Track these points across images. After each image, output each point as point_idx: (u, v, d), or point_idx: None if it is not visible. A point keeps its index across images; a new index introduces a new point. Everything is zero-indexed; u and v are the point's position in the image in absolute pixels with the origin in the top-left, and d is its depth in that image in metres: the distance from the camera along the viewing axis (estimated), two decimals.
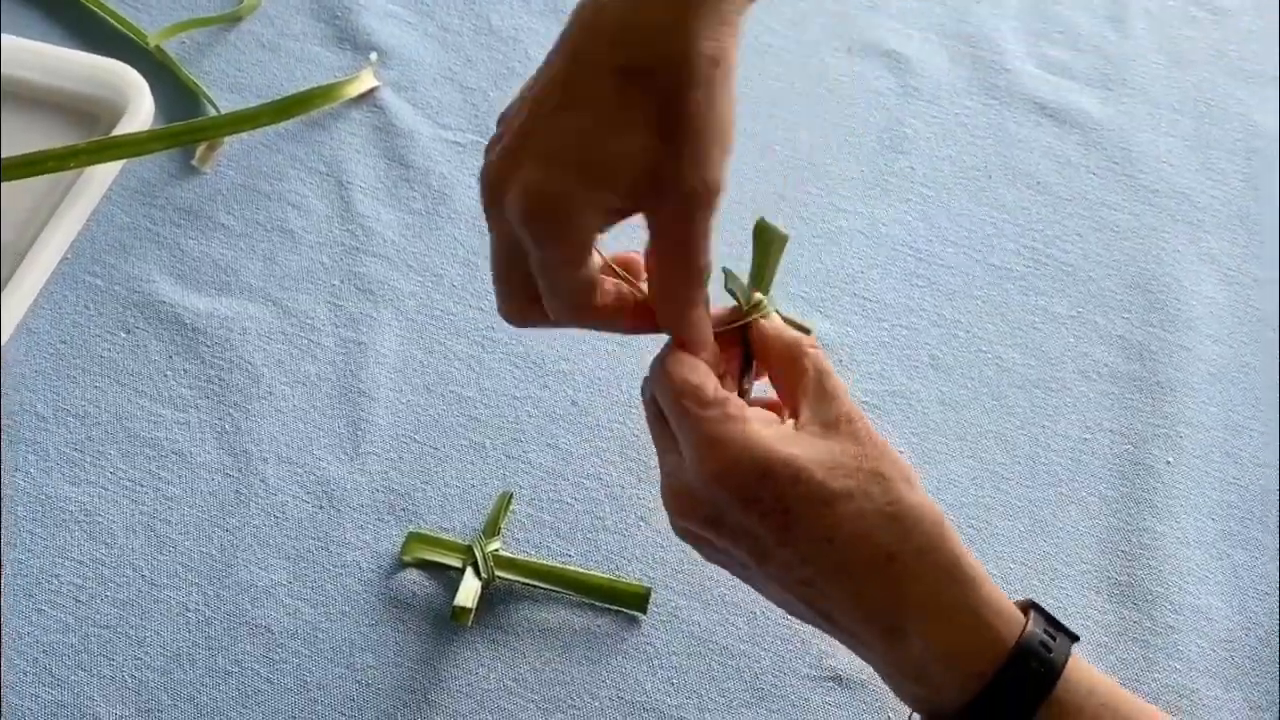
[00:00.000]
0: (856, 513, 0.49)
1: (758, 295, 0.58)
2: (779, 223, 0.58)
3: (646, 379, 0.55)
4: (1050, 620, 0.51)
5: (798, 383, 0.54)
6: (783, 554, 0.50)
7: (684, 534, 0.54)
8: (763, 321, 0.57)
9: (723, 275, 0.58)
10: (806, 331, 0.58)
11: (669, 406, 0.52)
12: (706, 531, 0.52)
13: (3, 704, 0.65)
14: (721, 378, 0.54)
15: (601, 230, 0.51)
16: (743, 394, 0.57)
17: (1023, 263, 0.82)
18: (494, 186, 0.50)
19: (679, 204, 0.50)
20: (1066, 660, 0.49)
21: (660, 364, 0.54)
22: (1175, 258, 0.83)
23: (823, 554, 0.49)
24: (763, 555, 0.50)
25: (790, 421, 0.53)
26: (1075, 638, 0.51)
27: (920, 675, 0.50)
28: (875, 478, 0.50)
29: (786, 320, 0.58)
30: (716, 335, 0.55)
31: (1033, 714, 0.48)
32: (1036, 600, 0.52)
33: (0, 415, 0.73)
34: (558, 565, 0.69)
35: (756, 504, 0.49)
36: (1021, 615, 0.50)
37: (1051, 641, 0.49)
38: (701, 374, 0.52)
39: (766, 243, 0.59)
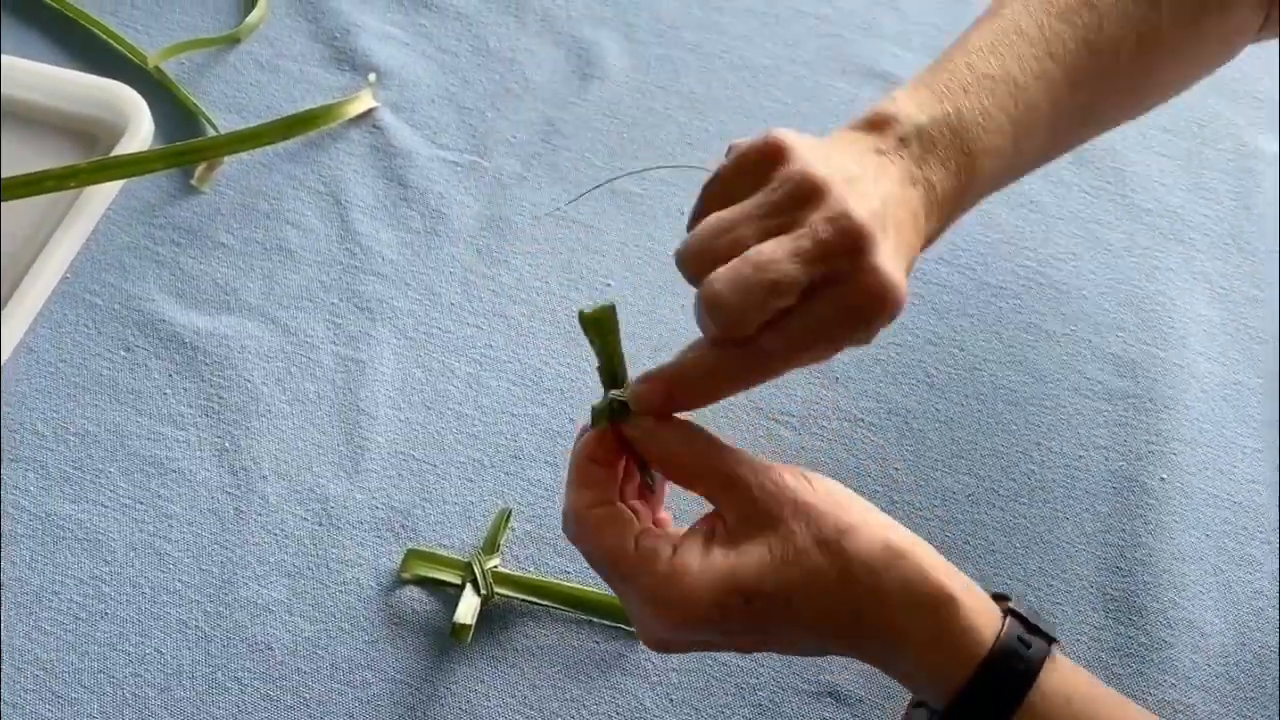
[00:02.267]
0: (815, 593, 0.50)
1: (613, 393, 0.54)
2: (595, 302, 0.53)
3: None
4: (1027, 625, 0.50)
5: (693, 484, 0.53)
6: (764, 646, 0.52)
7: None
8: (626, 426, 0.53)
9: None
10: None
11: (599, 573, 0.53)
12: (695, 650, 0.54)
13: None
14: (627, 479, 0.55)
15: None
16: (648, 487, 0.56)
17: (1017, 281, 0.83)
18: None
19: None
20: (1039, 668, 0.49)
21: (571, 532, 0.53)
22: (1168, 276, 0.83)
23: (798, 636, 0.51)
24: (749, 650, 0.52)
25: (718, 525, 0.52)
26: (1053, 640, 0.50)
27: (915, 687, 0.52)
28: (819, 548, 0.49)
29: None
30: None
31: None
32: (1031, 609, 0.52)
33: (0, 433, 0.74)
34: (557, 582, 0.69)
35: (725, 632, 0.51)
36: (999, 622, 0.50)
37: (1025, 649, 0.49)
38: (611, 535, 0.52)
39: (598, 330, 0.53)
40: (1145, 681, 0.68)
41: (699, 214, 0.54)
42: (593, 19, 0.95)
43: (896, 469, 0.75)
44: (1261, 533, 0.73)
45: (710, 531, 0.51)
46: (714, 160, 0.55)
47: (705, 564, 0.50)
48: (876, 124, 0.56)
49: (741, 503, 0.51)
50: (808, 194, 0.51)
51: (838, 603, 0.50)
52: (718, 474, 0.51)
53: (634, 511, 0.53)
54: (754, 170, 0.53)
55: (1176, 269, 0.84)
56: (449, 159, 0.87)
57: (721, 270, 0.49)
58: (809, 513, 0.50)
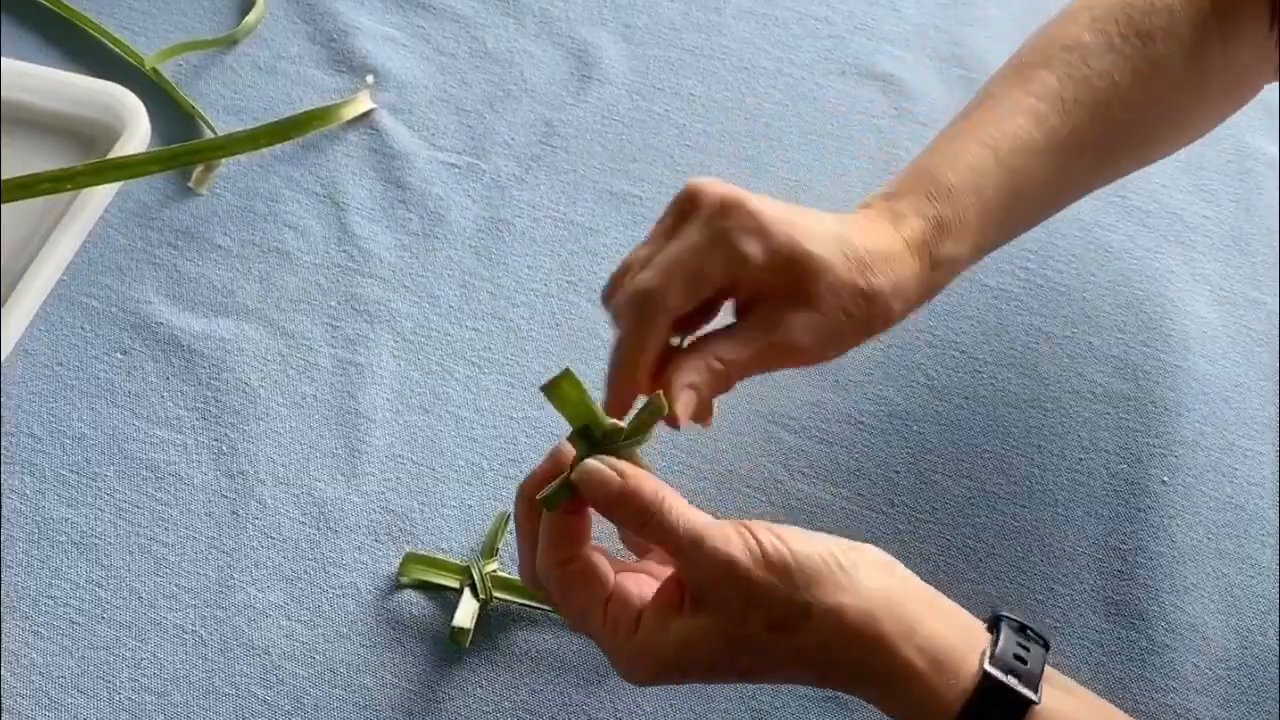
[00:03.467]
0: (771, 665, 0.51)
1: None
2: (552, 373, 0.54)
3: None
4: (1002, 690, 0.49)
5: (652, 550, 0.55)
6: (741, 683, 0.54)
7: None
8: (588, 493, 0.53)
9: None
10: (659, 408, 0.54)
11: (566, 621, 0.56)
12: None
13: None
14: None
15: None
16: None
17: (1017, 284, 0.82)
18: None
19: None
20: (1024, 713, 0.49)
21: (543, 586, 0.55)
22: (1169, 278, 0.83)
23: (773, 682, 0.53)
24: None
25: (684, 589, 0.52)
26: (1035, 693, 0.49)
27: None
28: (771, 634, 0.50)
29: (631, 427, 0.55)
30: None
31: None
32: (1033, 612, 0.52)
33: None
34: None
35: (696, 680, 0.53)
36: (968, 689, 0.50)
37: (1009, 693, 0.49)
38: (581, 596, 0.53)
39: (560, 397, 0.54)
40: (1146, 685, 0.68)
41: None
42: (591, 21, 0.95)
43: (897, 471, 0.74)
44: (1263, 535, 0.73)
45: (677, 598, 0.52)
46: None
47: (663, 638, 0.51)
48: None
49: (693, 582, 0.51)
50: (688, 197, 0.57)
51: (798, 673, 0.51)
52: (673, 549, 0.51)
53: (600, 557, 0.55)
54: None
55: (1177, 271, 0.84)
56: (447, 161, 0.87)
57: None
58: (762, 598, 0.49)
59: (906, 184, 0.61)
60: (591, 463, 0.53)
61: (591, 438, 0.54)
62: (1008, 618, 0.52)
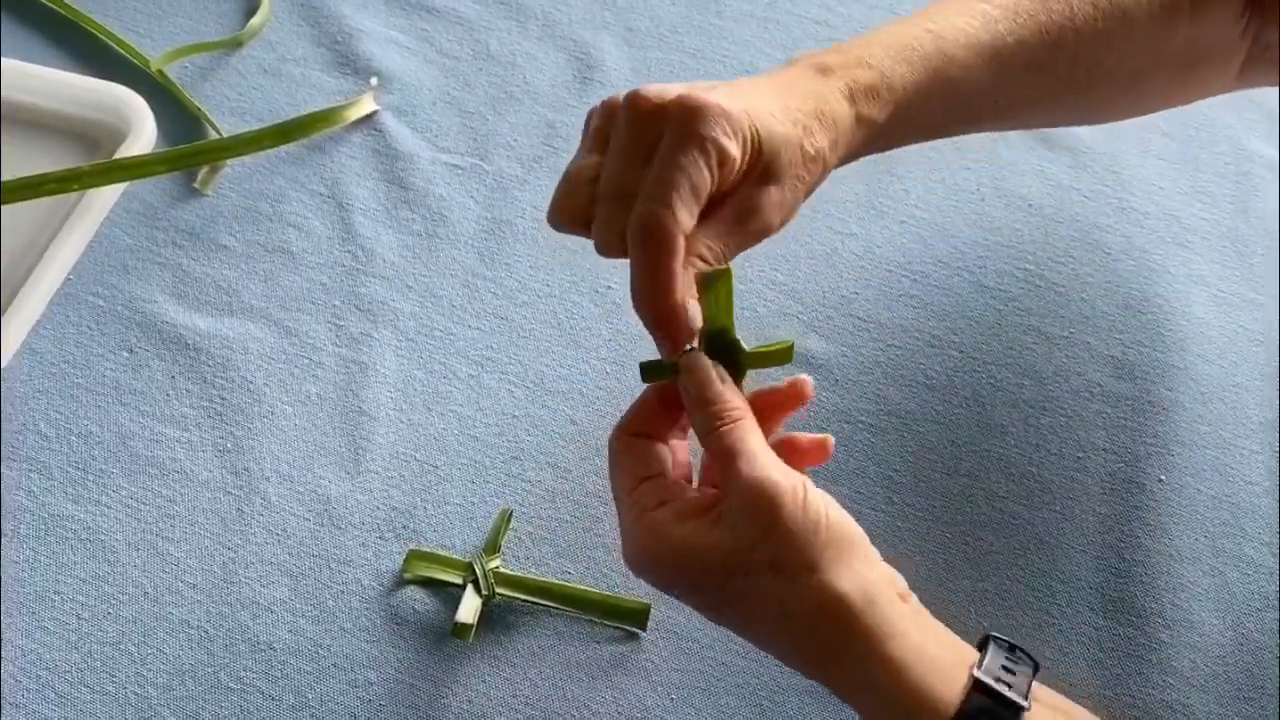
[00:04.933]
0: (755, 606, 0.51)
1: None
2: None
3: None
4: (995, 695, 0.49)
5: (710, 456, 0.55)
6: (722, 623, 0.53)
7: None
8: (684, 379, 0.54)
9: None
10: (788, 351, 0.55)
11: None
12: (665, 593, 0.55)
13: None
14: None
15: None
16: None
17: (1016, 284, 0.83)
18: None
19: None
20: None
21: (610, 450, 0.56)
22: (1166, 279, 0.84)
23: (750, 638, 0.53)
24: (714, 621, 0.54)
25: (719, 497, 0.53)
26: (1024, 702, 0.49)
27: None
28: (771, 572, 0.50)
29: (753, 353, 0.56)
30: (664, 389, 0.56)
31: None
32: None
33: (0, 434, 0.74)
34: (558, 582, 0.70)
35: (685, 590, 0.53)
36: (960, 688, 0.50)
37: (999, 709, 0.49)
38: (622, 466, 0.55)
39: (715, 291, 0.54)
40: (1143, 682, 0.68)
41: None
42: (593, 23, 0.96)
43: (895, 470, 0.75)
44: (1260, 534, 0.73)
45: (706, 505, 0.52)
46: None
47: (674, 530, 0.51)
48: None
49: (730, 494, 0.51)
50: (643, 109, 0.55)
51: (777, 628, 0.51)
52: (727, 463, 0.51)
53: (672, 449, 0.56)
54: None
55: (1175, 272, 0.84)
56: (450, 162, 0.87)
57: None
58: (780, 534, 0.50)
59: (840, 45, 0.61)
60: (703, 358, 0.54)
61: (716, 345, 0.55)
62: (997, 638, 0.52)
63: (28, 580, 0.69)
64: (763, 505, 0.50)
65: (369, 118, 0.89)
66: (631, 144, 0.55)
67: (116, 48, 0.92)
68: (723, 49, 0.95)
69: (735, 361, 0.55)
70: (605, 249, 0.56)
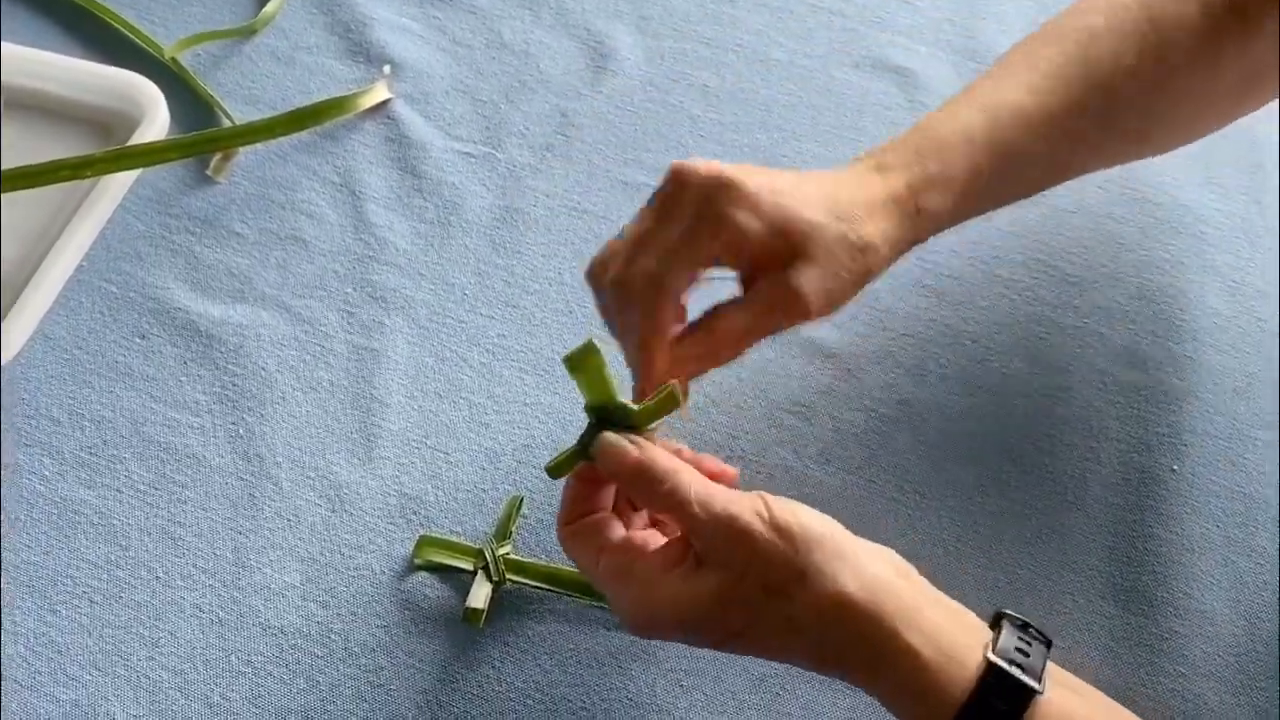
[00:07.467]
0: (765, 633, 0.52)
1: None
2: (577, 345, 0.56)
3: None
4: (1006, 679, 0.49)
5: (662, 514, 0.58)
6: (737, 652, 0.54)
7: None
8: (603, 464, 0.56)
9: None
10: (672, 398, 0.56)
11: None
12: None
13: (11, 704, 0.65)
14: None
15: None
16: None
17: (1029, 274, 0.83)
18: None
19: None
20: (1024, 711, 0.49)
21: (562, 546, 0.59)
22: (1179, 269, 0.83)
23: (769, 657, 0.53)
24: (724, 651, 0.54)
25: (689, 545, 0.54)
26: (1036, 689, 0.49)
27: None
28: (766, 595, 0.51)
29: (642, 411, 0.57)
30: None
31: None
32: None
33: (7, 419, 0.74)
34: (568, 569, 0.70)
35: (691, 636, 0.54)
36: (972, 676, 0.49)
37: (1001, 705, 0.49)
38: (579, 551, 0.57)
39: (583, 370, 0.56)
40: (1155, 671, 0.68)
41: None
42: (606, 12, 0.96)
43: (907, 459, 0.75)
44: (1272, 524, 0.73)
45: (681, 554, 0.53)
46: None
47: (661, 589, 0.52)
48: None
49: (700, 539, 0.52)
50: (675, 180, 0.59)
51: (791, 645, 0.52)
52: (684, 514, 0.53)
53: (623, 515, 0.59)
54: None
55: (1188, 262, 0.84)
56: (463, 150, 0.87)
57: None
58: (762, 556, 0.51)
59: (898, 141, 0.63)
60: (609, 435, 0.55)
61: (606, 415, 0.56)
62: (1010, 615, 0.52)
63: (40, 564, 0.70)
64: (734, 538, 0.51)
65: (382, 106, 0.89)
66: (662, 205, 0.59)
67: (130, 35, 0.92)
68: (736, 38, 0.95)
69: (630, 426, 0.57)
70: (610, 298, 0.60)
